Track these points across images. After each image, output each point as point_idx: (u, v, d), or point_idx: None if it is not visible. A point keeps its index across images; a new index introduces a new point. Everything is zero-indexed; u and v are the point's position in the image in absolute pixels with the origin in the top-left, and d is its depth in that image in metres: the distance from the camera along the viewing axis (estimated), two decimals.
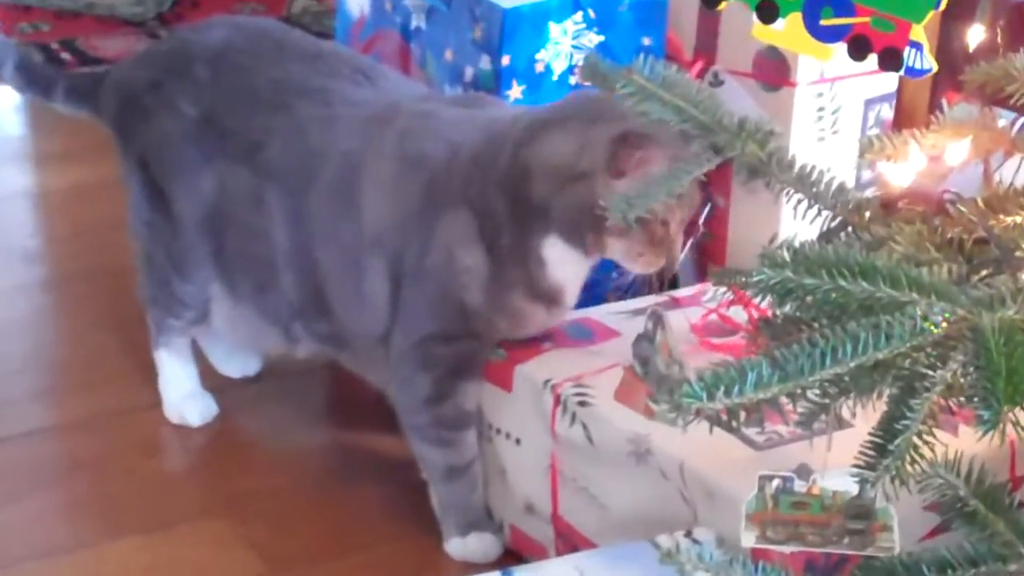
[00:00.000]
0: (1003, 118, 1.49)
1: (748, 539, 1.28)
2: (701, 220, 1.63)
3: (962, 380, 1.14)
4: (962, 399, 1.16)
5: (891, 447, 1.13)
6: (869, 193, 1.39)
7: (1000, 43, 1.64)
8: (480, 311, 1.67)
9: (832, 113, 2.01)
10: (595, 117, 1.61)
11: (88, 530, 1.80)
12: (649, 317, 1.58)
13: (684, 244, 1.67)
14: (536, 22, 1.90)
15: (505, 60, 1.90)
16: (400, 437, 1.78)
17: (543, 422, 1.64)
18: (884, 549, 1.25)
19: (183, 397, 2.01)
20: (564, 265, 1.65)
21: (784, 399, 1.16)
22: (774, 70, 1.98)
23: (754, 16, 1.42)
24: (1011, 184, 1.38)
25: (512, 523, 1.74)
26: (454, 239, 1.66)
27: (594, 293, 1.83)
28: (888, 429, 1.14)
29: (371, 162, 1.73)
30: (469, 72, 1.95)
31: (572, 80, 1.94)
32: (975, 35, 1.67)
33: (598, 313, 1.78)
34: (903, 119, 2.08)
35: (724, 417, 1.16)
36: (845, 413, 1.24)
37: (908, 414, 1.13)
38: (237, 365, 2.09)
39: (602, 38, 1.95)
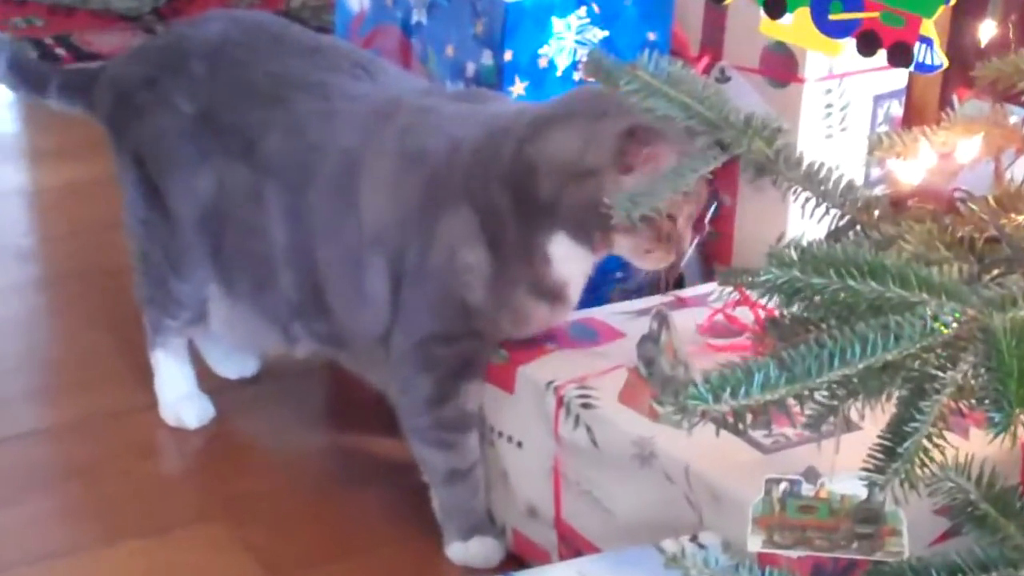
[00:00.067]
0: (1015, 115, 1.49)
1: (755, 543, 1.28)
2: (707, 219, 1.63)
3: (973, 382, 1.14)
4: (973, 401, 1.16)
5: (900, 450, 1.13)
6: (878, 191, 1.39)
7: (1012, 38, 1.64)
8: (483, 309, 1.67)
9: (840, 110, 2.01)
10: (601, 112, 1.61)
11: (83, 534, 1.80)
12: (654, 317, 1.58)
13: (691, 241, 1.67)
14: (539, 17, 1.90)
15: (507, 55, 1.90)
16: (400, 439, 1.78)
17: (546, 424, 1.64)
18: (893, 554, 1.25)
19: (180, 398, 2.01)
20: (569, 262, 1.65)
21: (791, 401, 1.15)
22: (781, 66, 1.98)
23: (761, 11, 1.42)
24: (1023, 182, 1.38)
25: (514, 527, 1.74)
26: (456, 237, 1.66)
27: (598, 294, 1.83)
28: (897, 431, 1.14)
29: (371, 159, 1.73)
30: (471, 68, 1.95)
31: (576, 76, 1.94)
32: (987, 30, 1.66)
33: (602, 313, 1.78)
34: (913, 116, 2.09)
35: (730, 419, 1.16)
36: (853, 415, 1.24)
37: (918, 416, 1.13)
38: (234, 366, 2.10)
39: (606, 33, 1.95)
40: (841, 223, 1.37)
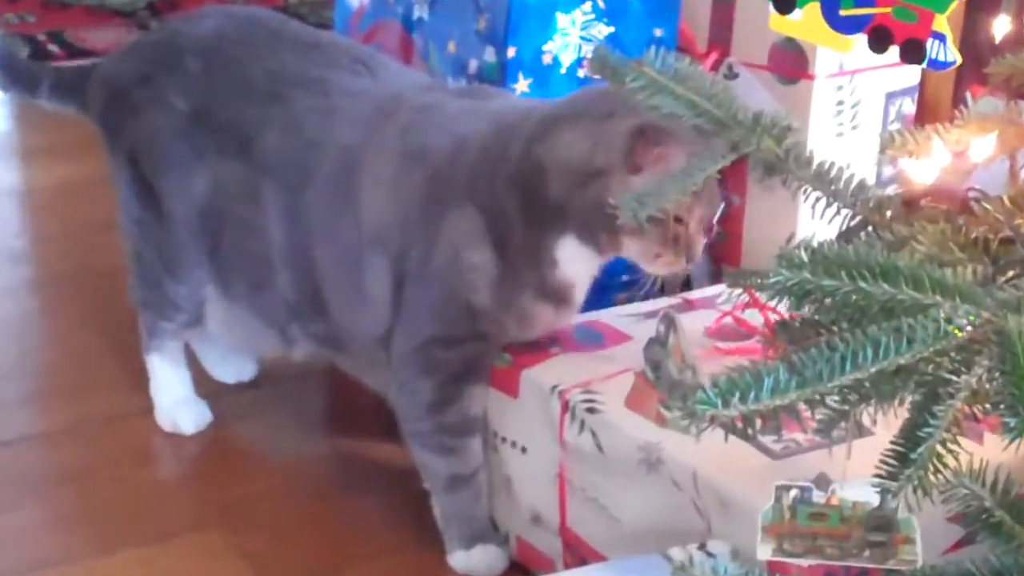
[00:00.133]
0: None
1: (764, 552, 1.28)
2: (715, 219, 1.63)
3: (987, 386, 1.14)
4: (987, 406, 1.16)
5: (913, 456, 1.13)
6: (890, 191, 1.39)
7: None
8: (487, 311, 1.67)
9: (852, 107, 2.01)
10: (610, 111, 1.60)
11: (77, 542, 1.80)
12: (661, 320, 1.58)
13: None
14: (543, 12, 1.91)
15: (511, 52, 1.90)
16: (401, 445, 1.78)
17: (551, 430, 1.64)
18: (906, 562, 1.25)
19: (176, 403, 2.01)
20: (576, 264, 1.65)
21: (802, 406, 1.15)
22: (791, 62, 1.98)
23: (770, 6, 1.42)
24: None
25: (518, 535, 1.74)
26: (460, 237, 1.66)
27: (602, 296, 1.83)
28: (910, 437, 1.14)
29: (372, 156, 1.73)
30: (473, 64, 1.95)
31: (580, 73, 1.94)
32: (1001, 26, 1.66)
33: (608, 316, 1.78)
34: (926, 113, 2.09)
35: (739, 424, 1.15)
36: (865, 420, 1.24)
37: (931, 421, 1.13)
38: (232, 370, 2.10)
39: (612, 29, 1.95)
40: (852, 223, 1.37)
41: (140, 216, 1.92)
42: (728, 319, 1.70)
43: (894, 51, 1.36)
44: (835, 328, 1.20)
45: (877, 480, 1.15)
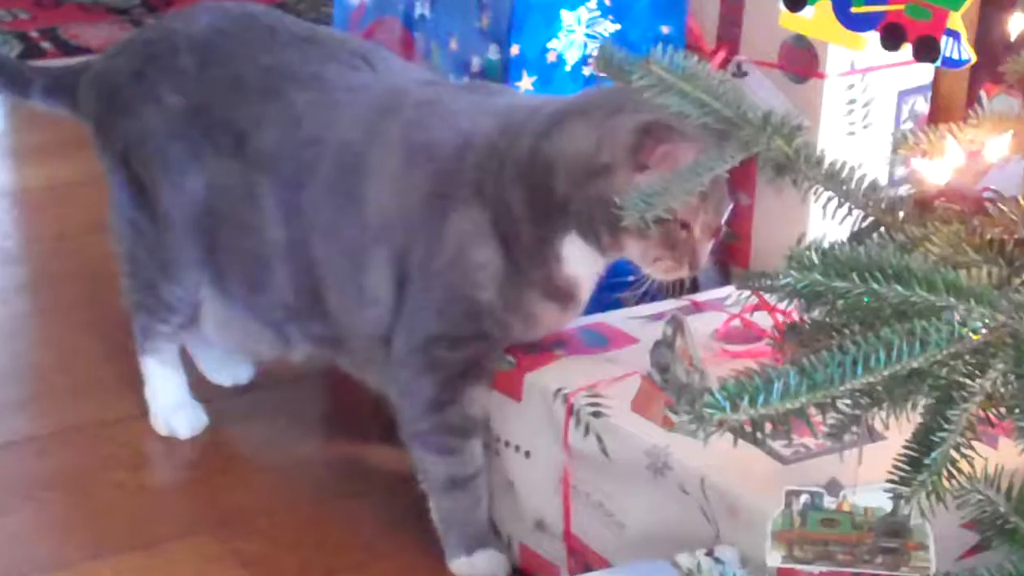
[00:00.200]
0: None
1: (774, 558, 1.28)
2: (723, 220, 1.63)
3: (1002, 390, 1.14)
4: (1002, 410, 1.16)
5: (927, 461, 1.13)
6: (903, 191, 1.39)
7: None
8: (493, 310, 1.67)
9: (864, 106, 2.01)
10: (618, 107, 1.61)
11: (70, 548, 1.80)
12: (668, 322, 1.58)
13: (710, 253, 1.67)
14: (548, 9, 1.91)
15: (514, 50, 1.90)
16: (399, 448, 1.78)
17: (555, 434, 1.65)
18: (919, 569, 1.25)
19: (171, 407, 2.01)
20: (581, 262, 1.66)
21: (813, 410, 1.16)
22: (802, 60, 1.99)
23: (780, 3, 1.42)
24: None
25: (521, 541, 1.74)
26: (466, 234, 1.66)
27: (608, 296, 1.83)
28: (923, 442, 1.14)
29: (375, 153, 1.73)
30: (476, 62, 1.95)
31: (586, 71, 1.94)
32: (1016, 23, 1.66)
33: (614, 318, 1.78)
34: (939, 112, 2.09)
35: (748, 429, 1.16)
36: (878, 425, 1.24)
37: (945, 426, 1.13)
38: (228, 372, 2.10)
39: (618, 26, 1.96)
40: (864, 224, 1.37)
41: (133, 216, 1.92)
42: (737, 321, 1.71)
43: (907, 49, 1.36)
44: (846, 331, 1.20)
45: (890, 485, 1.15)
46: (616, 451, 1.58)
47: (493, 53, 1.93)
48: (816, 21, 1.41)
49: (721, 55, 2.05)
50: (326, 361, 1.91)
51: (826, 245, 1.19)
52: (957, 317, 1.12)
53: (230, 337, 1.95)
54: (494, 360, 1.70)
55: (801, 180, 1.37)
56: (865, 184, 1.37)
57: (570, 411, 1.62)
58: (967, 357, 1.14)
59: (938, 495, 1.14)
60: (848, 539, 1.27)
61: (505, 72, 1.91)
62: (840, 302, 1.16)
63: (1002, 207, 1.31)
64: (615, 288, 1.78)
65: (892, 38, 1.36)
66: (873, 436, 1.27)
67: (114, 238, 1.98)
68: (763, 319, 1.65)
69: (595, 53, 1.88)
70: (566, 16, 1.92)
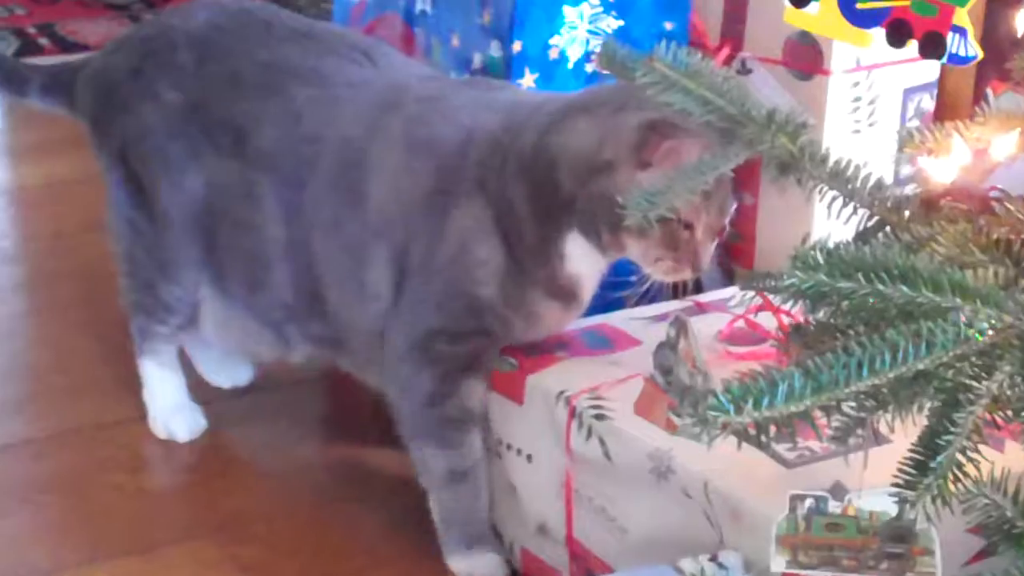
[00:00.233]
0: None
1: (778, 563, 1.28)
2: (727, 220, 1.63)
3: (1009, 392, 1.14)
4: (1009, 412, 1.16)
5: (932, 464, 1.13)
6: (909, 190, 1.39)
7: None
8: (494, 306, 1.67)
9: (869, 103, 2.01)
10: (623, 104, 1.61)
11: (67, 552, 1.80)
12: (672, 324, 1.58)
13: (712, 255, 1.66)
14: (550, 5, 1.91)
15: (517, 46, 1.90)
16: (401, 453, 1.78)
17: (557, 437, 1.64)
18: (925, 574, 1.25)
19: (170, 409, 2.01)
20: (584, 260, 1.66)
21: (817, 412, 1.15)
22: (806, 57, 1.98)
23: None
24: None
25: (523, 545, 1.74)
26: (468, 229, 1.66)
27: (609, 295, 1.82)
28: (929, 445, 1.14)
29: (377, 148, 1.73)
30: (478, 59, 1.95)
31: (588, 68, 1.94)
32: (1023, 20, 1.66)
33: (617, 319, 1.78)
34: (945, 110, 2.09)
35: (752, 432, 1.15)
36: (883, 428, 1.24)
37: (951, 429, 1.13)
38: (227, 374, 2.10)
39: (621, 23, 1.96)
40: (869, 224, 1.37)
41: (131, 215, 1.92)
42: (741, 323, 1.70)
43: (913, 46, 1.35)
44: (852, 332, 1.20)
45: (895, 489, 1.15)
46: (619, 454, 1.58)
47: (495, 50, 1.92)
48: (821, 17, 1.41)
49: (725, 52, 2.05)
50: (326, 362, 1.91)
51: (831, 245, 1.18)
52: (963, 318, 1.12)
53: (229, 338, 1.95)
54: (493, 355, 1.70)
55: (806, 179, 1.36)
56: (870, 183, 1.37)
57: (572, 414, 1.62)
58: (973, 359, 1.13)
59: (944, 499, 1.14)
60: (853, 544, 1.27)
61: (507, 69, 1.91)
62: (845, 303, 1.16)
63: (1009, 206, 1.31)
64: (617, 287, 1.77)
65: (898, 34, 1.35)
66: (878, 439, 1.27)
67: (112, 237, 1.98)
68: (767, 320, 1.65)
69: (598, 50, 1.89)
70: (568, 12, 1.92)
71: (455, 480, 1.73)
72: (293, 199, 1.78)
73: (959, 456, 1.13)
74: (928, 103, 2.08)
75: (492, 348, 1.70)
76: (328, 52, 1.83)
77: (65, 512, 1.88)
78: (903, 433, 1.20)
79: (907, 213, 1.35)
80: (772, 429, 1.15)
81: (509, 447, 1.72)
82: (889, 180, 1.42)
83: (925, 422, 1.18)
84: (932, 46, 1.34)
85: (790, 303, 1.21)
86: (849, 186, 1.37)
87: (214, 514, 1.87)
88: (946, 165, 1.38)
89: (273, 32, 1.86)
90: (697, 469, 1.50)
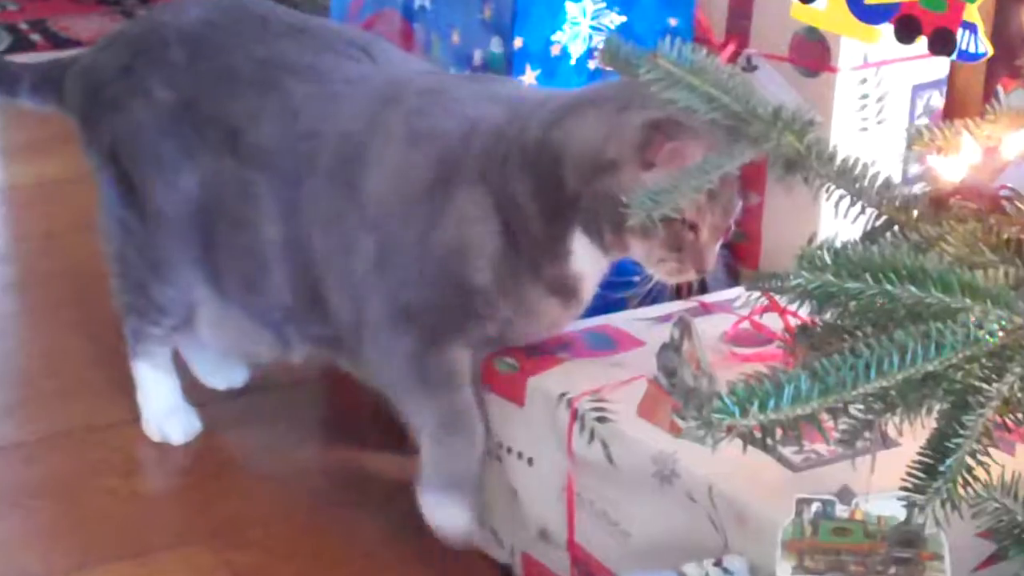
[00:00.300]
0: None
1: (784, 569, 1.28)
2: (732, 221, 1.63)
3: (1020, 394, 1.14)
4: (1019, 415, 1.16)
5: (942, 468, 1.13)
6: (917, 189, 1.39)
7: None
8: (487, 292, 1.66)
9: (877, 101, 2.01)
10: (628, 102, 1.61)
11: (58, 557, 1.80)
12: (676, 325, 1.58)
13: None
14: (552, 1, 1.91)
15: (518, 42, 1.90)
16: (400, 456, 1.79)
17: (558, 440, 1.65)
18: None
19: (164, 412, 2.01)
20: (587, 259, 1.66)
21: (824, 415, 1.16)
22: (813, 54, 1.98)
23: None
24: None
25: (524, 550, 1.74)
26: (467, 216, 1.66)
27: (614, 297, 1.83)
28: (938, 448, 1.14)
29: (377, 144, 1.74)
30: (478, 55, 1.95)
31: (591, 64, 1.94)
32: None
33: (619, 320, 1.78)
34: (955, 107, 2.09)
35: (758, 435, 1.16)
36: (891, 430, 1.24)
37: (960, 431, 1.13)
38: (222, 376, 2.10)
39: (624, 18, 1.96)
40: (877, 223, 1.37)
41: (122, 215, 1.92)
42: (746, 324, 1.70)
43: (922, 42, 1.36)
44: (859, 333, 1.20)
45: (903, 493, 1.15)
46: (621, 457, 1.58)
47: (496, 46, 1.93)
48: (828, 13, 1.41)
49: (730, 48, 2.05)
50: (325, 362, 1.91)
51: (838, 245, 1.19)
52: (973, 319, 1.12)
53: (226, 339, 1.95)
54: (481, 333, 1.69)
55: (812, 177, 1.37)
56: (878, 182, 1.37)
57: (574, 416, 1.62)
58: (983, 360, 1.14)
59: (953, 503, 1.14)
60: (860, 549, 1.27)
61: (508, 65, 1.91)
62: (852, 303, 1.16)
63: (1020, 205, 1.31)
64: (619, 287, 1.78)
65: (907, 31, 1.36)
66: (886, 442, 1.27)
67: (103, 237, 1.98)
68: (773, 321, 1.65)
69: (600, 46, 1.88)
70: (571, 8, 1.92)
71: (448, 432, 1.70)
72: (291, 197, 1.78)
73: (969, 459, 1.13)
74: (937, 100, 2.08)
75: (476, 324, 1.69)
76: (325, 48, 1.83)
77: (57, 516, 1.88)
78: (911, 436, 1.21)
79: (916, 212, 1.35)
80: (778, 432, 1.16)
81: (510, 450, 1.72)
82: (897, 179, 1.43)
83: (934, 425, 1.18)
84: (941, 42, 1.34)
85: (796, 304, 1.21)
86: (857, 185, 1.37)
87: (209, 518, 1.87)
88: (955, 163, 1.38)
89: (269, 28, 1.86)
90: (701, 472, 1.50)
